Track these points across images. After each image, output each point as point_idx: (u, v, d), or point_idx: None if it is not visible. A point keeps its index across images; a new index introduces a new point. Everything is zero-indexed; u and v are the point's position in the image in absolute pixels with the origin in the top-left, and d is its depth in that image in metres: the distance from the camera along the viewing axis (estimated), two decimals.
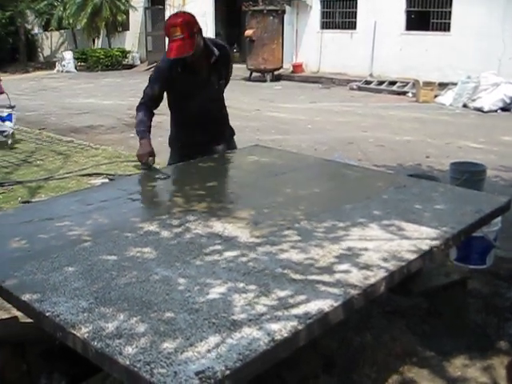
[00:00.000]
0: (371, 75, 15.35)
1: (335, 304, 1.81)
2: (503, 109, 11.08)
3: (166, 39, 3.48)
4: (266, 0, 16.77)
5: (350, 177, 3.41)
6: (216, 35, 19.97)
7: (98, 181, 5.66)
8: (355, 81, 14.99)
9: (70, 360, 2.14)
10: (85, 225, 2.52)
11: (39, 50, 26.45)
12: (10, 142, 7.81)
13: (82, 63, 22.26)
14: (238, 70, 17.64)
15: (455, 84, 12.02)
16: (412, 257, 2.18)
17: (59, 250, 2.24)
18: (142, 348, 1.57)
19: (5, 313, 3.05)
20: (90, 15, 21.05)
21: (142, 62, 22.09)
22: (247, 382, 1.55)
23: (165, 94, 3.60)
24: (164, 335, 1.63)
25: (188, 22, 3.30)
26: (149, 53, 21.42)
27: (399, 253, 2.20)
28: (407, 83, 13.82)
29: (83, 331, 1.66)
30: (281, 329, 1.66)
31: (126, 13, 22.11)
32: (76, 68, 21.78)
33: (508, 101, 11.12)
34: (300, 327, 1.68)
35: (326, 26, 17.12)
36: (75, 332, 1.66)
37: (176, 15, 3.40)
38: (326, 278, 1.98)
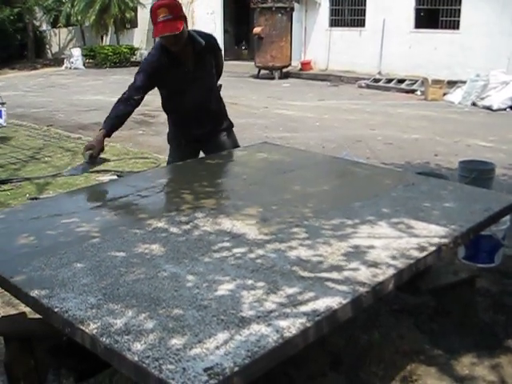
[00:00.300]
0: (380, 73, 15.31)
1: (344, 301, 1.81)
2: None
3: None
4: None
5: (358, 174, 3.40)
6: (224, 32, 20.00)
7: (106, 177, 5.67)
8: (364, 79, 14.94)
9: (77, 356, 2.14)
10: (93, 221, 2.53)
11: (47, 46, 26.54)
12: None
13: (91, 60, 22.29)
14: (246, 67, 17.72)
15: (464, 82, 11.95)
16: (420, 255, 2.17)
17: (67, 246, 2.24)
18: (150, 344, 1.57)
19: (12, 309, 3.07)
20: (98, 12, 21.07)
21: None
22: (255, 380, 1.55)
23: (160, 96, 3.59)
24: (173, 332, 1.63)
25: (176, 5, 3.31)
26: None
27: (408, 251, 2.19)
28: (416, 81, 13.78)
29: (92, 327, 1.66)
30: (289, 326, 1.66)
31: (135, 10, 22.11)
32: (84, 65, 21.82)
33: None
34: (308, 324, 1.68)
35: (334, 23, 17.11)
36: (84, 328, 1.66)
37: None
38: (334, 275, 1.98)
